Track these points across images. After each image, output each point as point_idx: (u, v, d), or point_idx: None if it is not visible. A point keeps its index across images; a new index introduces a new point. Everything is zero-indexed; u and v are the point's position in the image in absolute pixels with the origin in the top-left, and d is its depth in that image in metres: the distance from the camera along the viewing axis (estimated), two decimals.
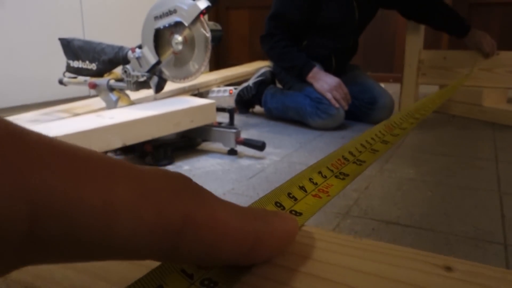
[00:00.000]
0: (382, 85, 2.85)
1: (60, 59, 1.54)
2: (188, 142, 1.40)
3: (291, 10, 1.74)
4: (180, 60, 1.34)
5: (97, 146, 1.09)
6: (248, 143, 1.32)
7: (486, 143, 1.48)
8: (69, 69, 1.52)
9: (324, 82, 1.71)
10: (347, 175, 0.22)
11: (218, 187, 1.06)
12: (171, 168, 1.22)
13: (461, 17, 1.83)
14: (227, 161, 1.29)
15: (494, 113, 1.78)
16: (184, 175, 0.15)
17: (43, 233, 0.11)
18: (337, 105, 1.68)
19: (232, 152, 1.34)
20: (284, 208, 0.19)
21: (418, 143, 1.49)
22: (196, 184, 0.15)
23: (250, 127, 1.75)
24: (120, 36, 2.10)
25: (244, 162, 1.27)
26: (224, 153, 1.36)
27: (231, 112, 1.60)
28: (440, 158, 1.31)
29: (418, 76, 2.01)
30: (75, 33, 2.17)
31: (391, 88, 2.80)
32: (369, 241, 0.19)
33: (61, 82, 1.58)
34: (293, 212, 0.19)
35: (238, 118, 1.89)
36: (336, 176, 0.22)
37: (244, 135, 1.40)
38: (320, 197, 0.20)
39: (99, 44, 1.43)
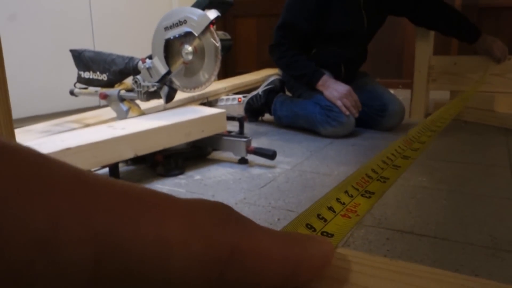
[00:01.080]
0: (392, 91, 2.84)
1: (71, 70, 1.55)
2: (199, 151, 1.40)
3: (300, 19, 1.75)
4: (190, 70, 1.34)
5: (109, 157, 1.09)
6: (258, 152, 1.32)
7: (500, 149, 1.46)
8: (80, 80, 1.53)
9: (334, 89, 1.70)
10: (373, 193, 0.22)
11: (229, 197, 1.05)
12: (182, 178, 1.22)
13: (471, 23, 1.82)
14: (238, 170, 1.29)
15: (507, 118, 1.76)
16: (225, 205, 0.16)
17: (106, 272, 0.12)
18: (347, 112, 1.68)
19: (243, 161, 1.34)
20: (315, 230, 0.19)
21: (430, 150, 1.48)
22: (237, 213, 0.16)
23: (260, 136, 1.75)
24: (130, 47, 2.12)
25: (255, 171, 1.27)
26: (234, 162, 1.36)
27: (241, 120, 1.60)
28: (453, 165, 1.29)
29: (429, 82, 2.00)
30: (86, 44, 2.20)
31: (401, 94, 2.78)
32: (404, 263, 0.18)
33: (72, 93, 1.59)
34: (324, 233, 0.19)
35: (248, 127, 1.89)
36: (362, 195, 0.22)
37: (254, 143, 1.40)
38: (349, 217, 0.20)
39: (110, 55, 1.44)
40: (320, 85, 1.73)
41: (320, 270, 0.17)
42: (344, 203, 0.21)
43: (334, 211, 0.20)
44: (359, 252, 0.18)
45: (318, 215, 0.20)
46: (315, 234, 0.19)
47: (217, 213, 0.15)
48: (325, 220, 0.20)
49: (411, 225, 0.87)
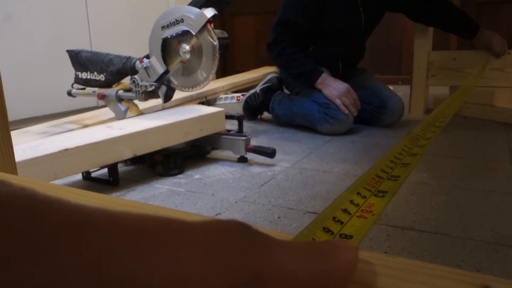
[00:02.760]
0: (391, 87, 2.83)
1: (68, 71, 1.54)
2: (198, 150, 1.40)
3: (297, 17, 1.74)
4: (188, 69, 1.33)
5: (108, 157, 1.09)
6: (258, 150, 1.31)
7: (500, 144, 1.46)
8: (78, 80, 1.52)
9: (333, 88, 1.69)
10: (386, 192, 0.22)
11: (229, 196, 1.05)
12: (181, 177, 1.21)
13: (469, 18, 1.81)
14: (237, 169, 1.28)
15: (507, 113, 1.75)
16: (241, 224, 0.15)
17: None
18: (346, 111, 1.66)
19: (243, 160, 1.34)
20: (333, 233, 0.19)
21: (430, 146, 1.47)
22: (254, 231, 0.15)
23: (260, 134, 1.74)
24: (128, 47, 2.11)
25: (255, 169, 1.26)
26: (234, 161, 1.35)
27: (240, 119, 1.59)
28: (453, 160, 1.29)
29: (428, 77, 1.99)
30: (83, 44, 2.19)
31: (400, 90, 2.78)
32: (404, 260, 0.18)
33: (69, 93, 1.59)
34: (342, 235, 0.19)
35: (247, 125, 1.89)
36: (375, 195, 0.22)
37: (253, 142, 1.39)
38: (365, 218, 0.20)
39: (107, 55, 1.44)
40: (319, 83, 1.71)
41: (347, 280, 0.16)
42: (358, 205, 0.21)
43: (349, 213, 0.20)
44: (379, 254, 0.18)
45: (334, 218, 0.20)
46: (333, 237, 0.19)
47: (234, 237, 0.14)
48: (342, 223, 0.20)
49: (411, 221, 0.87)
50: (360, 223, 0.19)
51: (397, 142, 0.29)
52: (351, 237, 0.19)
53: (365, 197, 0.22)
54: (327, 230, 0.19)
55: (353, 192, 0.22)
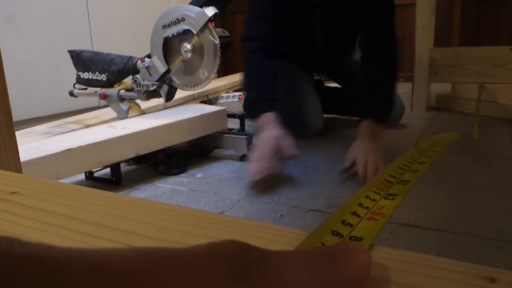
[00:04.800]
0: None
1: (70, 71, 1.55)
2: (200, 149, 1.40)
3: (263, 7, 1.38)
4: (189, 68, 1.33)
5: (110, 157, 1.09)
6: None
7: (503, 140, 1.45)
8: (79, 80, 1.53)
9: (259, 144, 1.15)
10: (396, 194, 0.22)
11: (232, 194, 1.05)
12: (184, 176, 1.21)
13: (381, 103, 1.27)
14: (240, 167, 1.28)
15: (510, 110, 1.75)
16: (238, 245, 0.14)
17: None
18: (253, 177, 1.08)
19: (245, 158, 1.33)
20: (342, 236, 0.18)
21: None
22: (254, 251, 0.14)
23: None
24: (129, 46, 2.12)
25: None
26: (236, 160, 1.35)
27: (242, 118, 1.59)
28: (455, 157, 1.29)
29: (430, 74, 1.99)
30: (84, 44, 2.19)
31: (402, 88, 2.77)
32: (409, 253, 0.18)
33: (71, 94, 1.59)
34: (353, 238, 0.18)
35: (249, 124, 1.89)
36: (385, 198, 0.22)
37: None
38: (376, 219, 0.20)
39: (108, 55, 1.44)
40: (259, 122, 1.23)
41: (361, 286, 0.15)
42: (368, 207, 0.21)
43: (359, 216, 0.20)
44: (385, 247, 0.18)
45: (343, 221, 0.19)
46: (342, 240, 0.18)
47: (231, 262, 0.13)
48: (351, 225, 0.19)
49: (414, 218, 0.86)
50: (371, 225, 0.19)
51: (404, 152, 0.29)
52: (361, 239, 0.18)
53: (374, 200, 0.22)
54: (336, 233, 0.18)
55: (362, 196, 0.22)
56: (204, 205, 0.99)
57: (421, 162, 0.28)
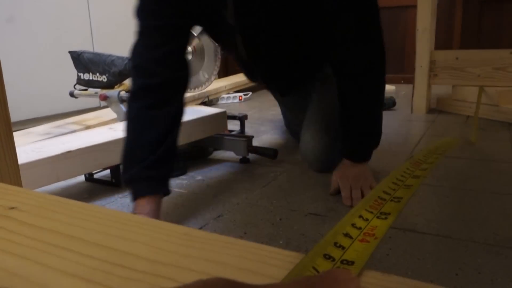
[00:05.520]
0: (393, 86, 2.83)
1: (71, 72, 1.55)
2: (200, 151, 1.40)
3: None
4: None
5: (110, 159, 1.09)
6: (260, 151, 1.31)
7: (503, 144, 1.45)
8: (80, 81, 1.53)
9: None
10: (388, 213, 0.22)
11: (231, 197, 1.05)
12: (184, 178, 1.22)
13: (358, 145, 1.09)
14: (239, 170, 1.28)
15: (511, 113, 1.75)
16: (226, 282, 0.14)
17: None
18: None
19: (244, 161, 1.34)
20: (334, 260, 0.18)
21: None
22: (241, 287, 0.14)
23: (262, 135, 1.74)
24: (130, 48, 2.11)
25: (257, 170, 1.27)
26: (236, 162, 1.36)
27: (242, 119, 1.60)
28: (455, 161, 1.29)
29: (430, 77, 1.99)
30: (85, 45, 2.20)
31: (402, 90, 2.78)
32: (400, 278, 0.18)
33: (72, 94, 1.59)
34: (344, 262, 0.18)
35: (249, 126, 1.89)
36: (377, 217, 0.22)
37: (255, 142, 1.40)
38: (368, 241, 0.20)
39: (109, 56, 1.44)
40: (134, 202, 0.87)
41: None
42: (360, 228, 0.21)
43: (351, 237, 0.20)
44: (376, 272, 0.18)
45: (335, 243, 0.20)
46: (334, 264, 0.18)
47: None
48: (343, 248, 0.19)
49: (413, 223, 0.87)
50: (363, 247, 0.19)
51: (399, 165, 0.30)
52: (352, 263, 0.18)
53: (367, 219, 0.22)
54: (328, 256, 0.19)
55: (355, 215, 0.22)
56: (203, 208, 0.99)
57: (415, 176, 0.28)
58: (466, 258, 0.73)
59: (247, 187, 1.12)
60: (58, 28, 2.14)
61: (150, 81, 0.91)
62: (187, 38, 1.00)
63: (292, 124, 1.44)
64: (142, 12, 0.95)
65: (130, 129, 0.90)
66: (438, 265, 0.71)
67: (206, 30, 1.15)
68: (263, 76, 1.27)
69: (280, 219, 0.91)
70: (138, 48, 0.96)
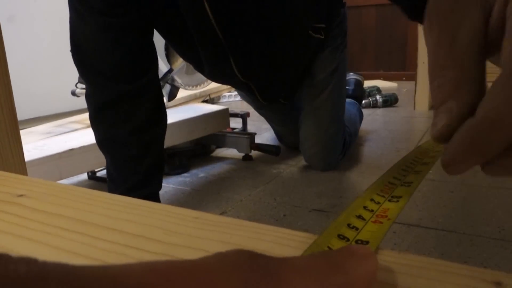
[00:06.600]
0: (395, 83, 2.83)
1: (72, 71, 1.55)
2: (203, 149, 1.40)
3: None
4: (191, 68, 1.33)
5: None
6: (262, 148, 1.31)
7: None
8: (81, 80, 1.53)
9: None
10: (400, 197, 0.22)
11: (234, 194, 1.05)
12: (186, 176, 1.22)
13: None
14: (242, 167, 1.28)
15: None
16: (246, 253, 0.14)
17: None
18: None
19: (247, 158, 1.34)
20: (348, 240, 0.18)
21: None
22: (261, 259, 0.14)
23: (264, 132, 1.74)
24: None
25: (260, 167, 1.26)
26: (239, 159, 1.35)
27: (244, 117, 1.60)
28: None
29: None
30: None
31: (405, 86, 2.77)
32: (415, 256, 0.18)
33: (73, 93, 1.59)
34: (359, 241, 0.19)
35: (251, 123, 1.89)
36: (389, 200, 0.22)
37: (258, 139, 1.40)
38: (381, 222, 0.20)
39: None
40: None
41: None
42: (372, 210, 0.21)
43: (364, 219, 0.20)
44: (389, 251, 0.18)
45: (349, 225, 0.20)
46: (349, 244, 0.19)
47: (241, 272, 0.13)
48: (357, 229, 0.19)
49: (418, 218, 0.86)
50: (376, 228, 0.19)
51: (407, 154, 0.30)
52: (367, 242, 0.19)
53: (379, 202, 0.22)
54: (342, 237, 0.19)
55: (367, 198, 0.22)
56: (207, 205, 0.99)
57: (424, 163, 0.28)
58: (471, 252, 0.73)
59: (250, 184, 1.12)
60: (59, 27, 2.14)
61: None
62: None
63: (286, 137, 1.40)
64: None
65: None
66: (443, 260, 0.71)
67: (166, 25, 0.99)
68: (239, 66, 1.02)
69: (284, 215, 0.91)
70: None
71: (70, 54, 1.51)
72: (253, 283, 0.13)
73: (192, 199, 1.03)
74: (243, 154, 1.35)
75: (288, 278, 0.13)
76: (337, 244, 0.18)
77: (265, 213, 0.92)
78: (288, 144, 1.42)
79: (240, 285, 0.12)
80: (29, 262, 0.11)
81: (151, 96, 0.88)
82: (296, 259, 0.15)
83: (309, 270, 0.14)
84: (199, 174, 1.23)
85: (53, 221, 0.22)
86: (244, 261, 0.13)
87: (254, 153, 1.34)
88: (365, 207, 0.21)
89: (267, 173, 1.20)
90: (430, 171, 0.91)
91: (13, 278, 0.10)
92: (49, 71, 2.08)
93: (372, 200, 0.22)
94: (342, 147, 1.22)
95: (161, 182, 0.91)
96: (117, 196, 0.25)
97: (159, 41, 1.33)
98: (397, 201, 0.22)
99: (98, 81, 0.85)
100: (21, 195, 0.25)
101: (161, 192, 1.08)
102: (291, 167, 1.25)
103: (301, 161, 1.30)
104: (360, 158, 1.32)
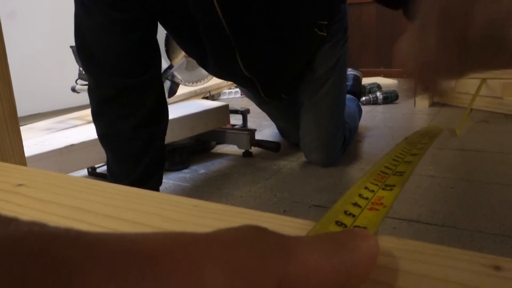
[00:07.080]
0: (396, 80, 2.82)
1: (72, 67, 1.55)
2: (203, 145, 1.40)
3: None
4: (191, 64, 1.33)
5: None
6: (262, 144, 1.31)
7: (508, 136, 1.45)
8: (82, 76, 1.53)
9: None
10: (393, 185, 0.22)
11: (234, 190, 1.05)
12: (186, 172, 1.22)
13: None
14: (242, 163, 1.28)
15: None
16: (256, 227, 0.14)
17: None
18: None
19: (247, 154, 1.34)
20: (346, 226, 0.19)
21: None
22: (271, 232, 0.15)
23: (264, 128, 1.74)
24: None
25: (260, 163, 1.26)
26: (239, 155, 1.35)
27: (244, 113, 1.59)
28: (459, 153, 1.28)
29: None
30: None
31: (405, 84, 2.77)
32: (415, 242, 0.18)
33: (74, 89, 1.59)
34: (356, 227, 0.19)
35: (251, 120, 1.89)
36: (383, 189, 0.22)
37: (258, 136, 1.40)
38: (377, 209, 0.20)
39: None
40: None
41: (369, 271, 0.16)
42: (367, 198, 0.21)
43: (360, 206, 0.20)
44: (390, 237, 0.18)
45: (345, 212, 0.20)
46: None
47: (253, 243, 0.13)
48: (354, 216, 0.20)
49: (418, 214, 0.86)
50: (372, 215, 0.20)
51: (396, 144, 0.30)
52: (365, 228, 0.19)
53: (373, 191, 0.22)
54: (340, 223, 0.19)
55: (361, 187, 0.22)
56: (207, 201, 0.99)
57: (413, 154, 0.28)
58: (471, 248, 0.73)
59: (250, 180, 1.12)
60: (60, 23, 2.13)
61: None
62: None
63: (288, 132, 1.40)
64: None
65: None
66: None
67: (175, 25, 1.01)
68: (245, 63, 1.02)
69: (284, 211, 0.91)
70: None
71: (70, 50, 1.51)
72: (266, 255, 0.13)
73: (192, 195, 1.03)
74: (243, 151, 1.35)
75: (298, 252, 0.14)
76: (335, 230, 0.18)
77: (265, 209, 0.92)
78: (290, 140, 1.42)
79: (255, 256, 0.13)
80: (42, 225, 0.11)
81: (154, 92, 0.89)
82: (303, 237, 0.15)
83: (316, 246, 0.15)
84: (199, 170, 1.23)
85: (52, 210, 0.22)
86: (257, 234, 0.14)
87: (254, 149, 1.34)
88: (360, 195, 0.21)
89: (267, 169, 1.20)
90: (430, 168, 0.92)
91: (27, 237, 0.11)
92: (49, 67, 2.08)
93: (366, 188, 0.22)
94: (342, 143, 1.22)
95: (161, 178, 0.91)
96: (116, 185, 0.25)
97: (159, 36, 1.33)
98: (391, 189, 0.22)
99: (102, 75, 0.85)
100: (20, 185, 0.25)
101: (161, 188, 1.08)
102: (291, 163, 1.25)
103: (301, 157, 1.30)
104: (360, 154, 1.32)
